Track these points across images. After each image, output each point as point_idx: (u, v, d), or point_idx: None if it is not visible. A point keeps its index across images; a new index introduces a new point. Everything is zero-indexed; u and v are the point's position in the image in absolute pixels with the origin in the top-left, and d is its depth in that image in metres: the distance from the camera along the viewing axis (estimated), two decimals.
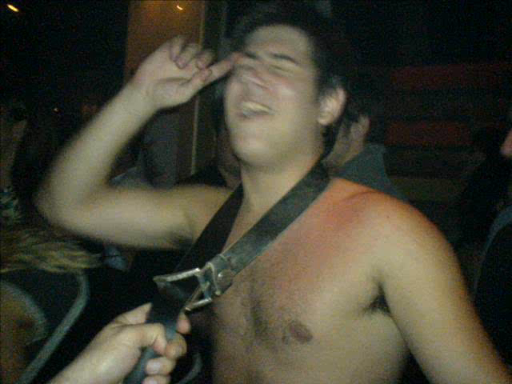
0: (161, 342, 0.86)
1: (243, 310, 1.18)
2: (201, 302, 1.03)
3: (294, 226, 1.15)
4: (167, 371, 0.86)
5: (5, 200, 1.91)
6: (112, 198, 1.34)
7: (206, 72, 1.18)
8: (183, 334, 0.91)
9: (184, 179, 3.83)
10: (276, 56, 1.15)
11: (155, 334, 0.86)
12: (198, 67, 1.19)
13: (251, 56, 1.17)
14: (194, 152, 4.74)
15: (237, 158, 1.21)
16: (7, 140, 1.95)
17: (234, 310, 1.20)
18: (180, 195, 1.39)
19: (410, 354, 1.08)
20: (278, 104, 1.13)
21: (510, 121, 1.47)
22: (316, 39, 1.18)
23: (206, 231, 1.23)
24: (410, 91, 5.57)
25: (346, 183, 1.23)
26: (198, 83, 1.19)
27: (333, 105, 1.21)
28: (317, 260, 1.10)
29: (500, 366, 1.00)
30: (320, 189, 1.19)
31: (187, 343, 0.90)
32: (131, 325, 0.88)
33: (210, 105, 3.63)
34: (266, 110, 1.13)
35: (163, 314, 0.92)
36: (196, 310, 1.01)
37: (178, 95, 1.21)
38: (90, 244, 1.54)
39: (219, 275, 1.06)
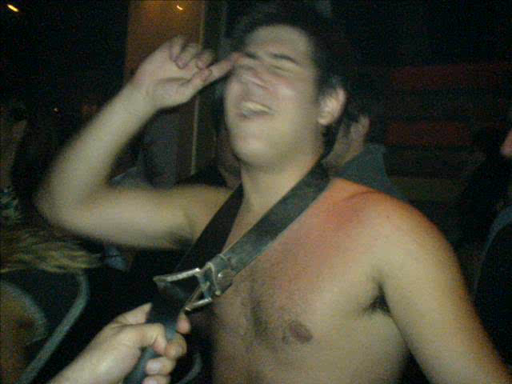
0: (161, 342, 0.86)
1: (243, 309, 1.18)
2: (201, 302, 1.03)
3: (294, 226, 1.15)
4: (167, 371, 0.86)
5: (5, 200, 1.91)
6: (112, 198, 1.34)
7: (206, 72, 1.18)
8: (183, 334, 0.91)
9: (184, 179, 3.82)
10: (276, 56, 1.15)
11: (155, 333, 0.86)
12: (198, 67, 1.19)
13: (251, 56, 1.17)
14: (194, 152, 4.74)
15: (237, 158, 1.21)
16: (7, 140, 1.95)
17: (233, 310, 1.20)
18: (180, 195, 1.39)
19: (410, 354, 1.08)
20: (278, 104, 1.13)
21: (510, 121, 1.47)
22: (316, 39, 1.18)
23: (205, 231, 1.23)
24: (410, 91, 5.57)
25: (345, 183, 1.23)
26: (197, 83, 1.19)
27: (333, 105, 1.21)
28: (317, 260, 1.10)
29: (500, 366, 1.00)
30: (320, 189, 1.19)
31: (187, 343, 0.90)
32: (131, 325, 0.88)
33: (209, 105, 3.62)
34: (266, 110, 1.13)
35: (163, 314, 0.92)
36: (196, 310, 1.01)
37: (178, 95, 1.21)
38: (90, 244, 1.54)
39: (219, 275, 1.06)
